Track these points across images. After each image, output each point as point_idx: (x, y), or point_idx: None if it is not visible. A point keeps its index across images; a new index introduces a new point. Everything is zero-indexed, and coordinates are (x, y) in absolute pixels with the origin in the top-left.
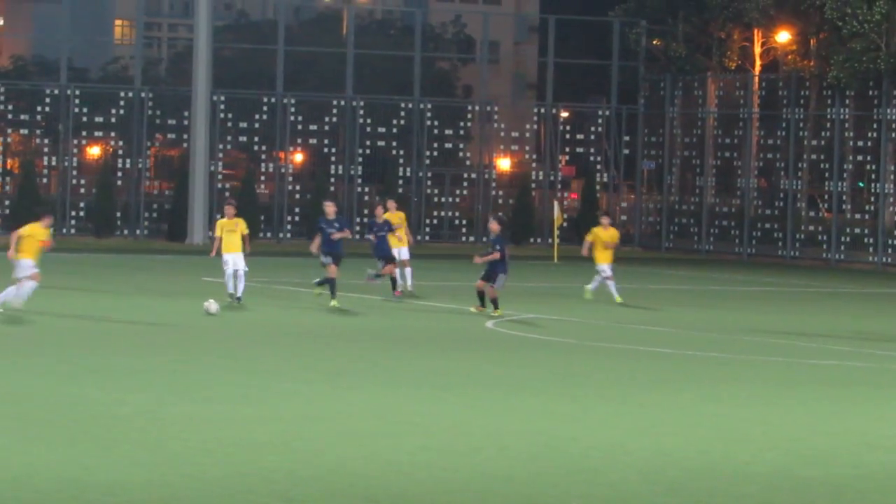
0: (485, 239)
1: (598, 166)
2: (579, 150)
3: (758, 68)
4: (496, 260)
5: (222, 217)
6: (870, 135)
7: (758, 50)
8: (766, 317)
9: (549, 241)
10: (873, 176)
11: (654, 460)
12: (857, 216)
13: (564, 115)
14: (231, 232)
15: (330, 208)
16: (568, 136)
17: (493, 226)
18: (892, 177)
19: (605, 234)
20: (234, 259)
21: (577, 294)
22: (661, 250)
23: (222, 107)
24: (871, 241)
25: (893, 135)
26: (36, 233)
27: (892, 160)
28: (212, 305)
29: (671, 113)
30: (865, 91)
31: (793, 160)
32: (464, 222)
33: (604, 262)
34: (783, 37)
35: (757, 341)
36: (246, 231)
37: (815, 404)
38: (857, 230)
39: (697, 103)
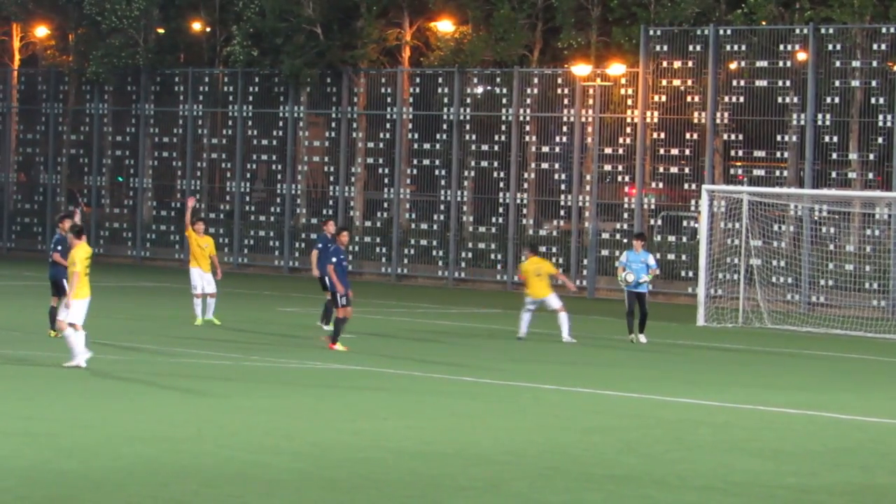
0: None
1: None
2: None
3: (17, 63)
4: None
5: None
6: (128, 130)
7: (17, 44)
8: (24, 311)
9: None
10: (132, 171)
11: None
12: (116, 210)
13: None
14: None
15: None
16: None
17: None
18: (150, 171)
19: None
20: None
21: None
22: None
23: None
24: (130, 235)
25: (151, 130)
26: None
27: (150, 155)
28: None
29: None
30: (124, 86)
31: (52, 155)
32: None
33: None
34: (41, 31)
35: (32, 338)
36: None
37: (76, 398)
38: (116, 224)
39: None
